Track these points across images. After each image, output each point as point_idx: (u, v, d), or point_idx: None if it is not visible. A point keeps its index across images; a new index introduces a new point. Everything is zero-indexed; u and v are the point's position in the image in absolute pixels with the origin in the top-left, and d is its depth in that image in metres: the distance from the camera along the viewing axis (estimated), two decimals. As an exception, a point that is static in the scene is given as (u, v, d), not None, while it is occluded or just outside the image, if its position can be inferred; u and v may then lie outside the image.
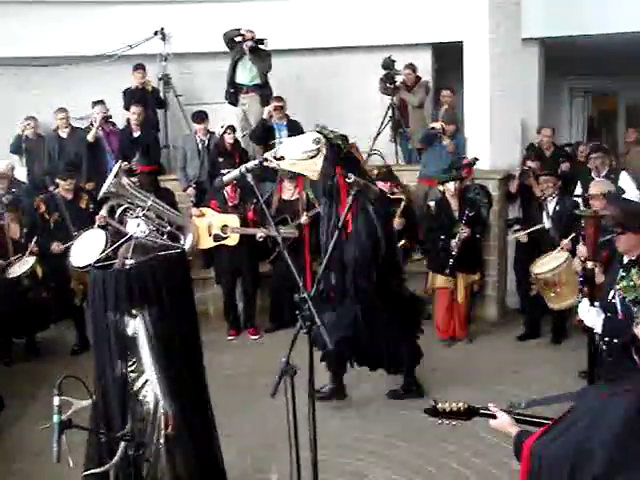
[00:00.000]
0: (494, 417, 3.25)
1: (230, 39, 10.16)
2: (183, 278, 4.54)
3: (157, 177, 9.18)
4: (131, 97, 10.22)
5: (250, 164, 3.81)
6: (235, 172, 3.84)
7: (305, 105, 10.58)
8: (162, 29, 10.88)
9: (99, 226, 8.07)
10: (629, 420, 2.66)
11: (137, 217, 7.84)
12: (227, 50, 10.36)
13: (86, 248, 7.90)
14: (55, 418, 2.98)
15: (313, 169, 5.93)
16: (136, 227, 7.88)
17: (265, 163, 4.54)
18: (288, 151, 5.70)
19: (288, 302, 8.94)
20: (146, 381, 4.17)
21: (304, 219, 8.80)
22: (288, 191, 9.06)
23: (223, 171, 8.87)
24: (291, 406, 3.44)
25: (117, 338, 4.14)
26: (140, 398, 4.18)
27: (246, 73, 10.43)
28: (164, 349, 4.21)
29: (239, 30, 10.21)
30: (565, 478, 2.69)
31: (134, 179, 8.31)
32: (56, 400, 2.98)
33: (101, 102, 10.12)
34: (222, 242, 8.86)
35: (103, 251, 7.73)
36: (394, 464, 5.94)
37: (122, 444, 3.99)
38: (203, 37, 10.69)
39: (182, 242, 8.12)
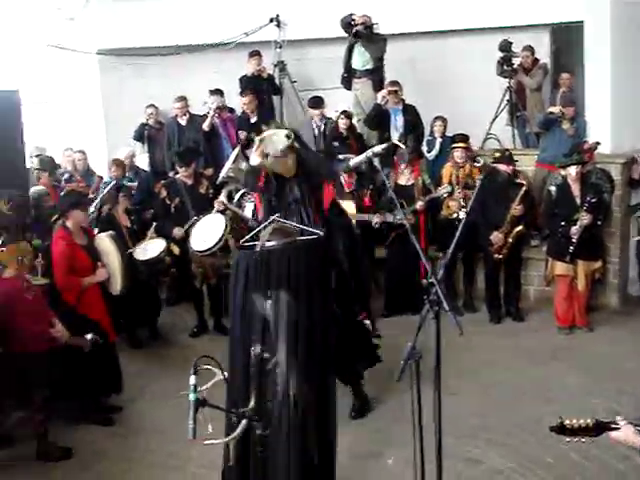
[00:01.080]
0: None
1: (346, 24, 10.16)
2: (320, 263, 4.57)
3: (274, 163, 9.26)
4: (247, 84, 10.35)
5: (377, 148, 3.79)
6: (362, 156, 3.84)
7: (420, 89, 10.50)
8: (277, 16, 10.96)
9: (218, 211, 8.25)
10: None
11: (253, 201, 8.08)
12: (341, 36, 10.37)
13: (205, 232, 8.12)
14: (191, 396, 3.07)
15: (288, 167, 5.71)
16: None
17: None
18: (270, 148, 5.47)
19: (403, 287, 8.96)
20: (277, 362, 4.26)
21: (420, 204, 8.74)
22: (404, 176, 9.00)
23: (340, 156, 9.00)
24: (415, 391, 3.42)
25: (255, 319, 4.26)
26: (271, 378, 4.29)
27: (359, 58, 10.43)
28: (297, 332, 4.30)
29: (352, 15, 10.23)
30: None
31: (252, 164, 8.44)
32: (192, 379, 3.07)
33: (218, 92, 10.29)
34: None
35: (222, 236, 7.96)
36: (510, 452, 5.87)
37: (244, 421, 4.09)
38: (317, 23, 10.73)
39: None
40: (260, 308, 4.28)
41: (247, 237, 4.72)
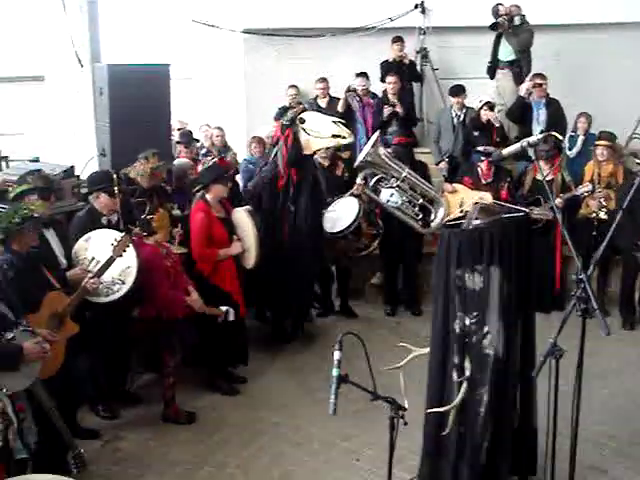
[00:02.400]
0: None
1: (496, 13, 9.99)
2: (524, 240, 4.77)
3: (412, 149, 9.22)
4: (388, 69, 10.30)
5: (532, 138, 3.70)
6: (516, 146, 3.75)
7: (564, 84, 10.23)
8: (422, 2, 10.90)
9: (353, 194, 8.28)
10: None
11: (391, 187, 8.09)
12: (485, 25, 10.20)
13: (339, 215, 8.16)
14: (334, 372, 3.09)
15: None
16: (389, 197, 8.12)
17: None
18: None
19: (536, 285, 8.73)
20: (487, 333, 4.52)
21: (559, 202, 8.48)
22: (543, 171, 8.76)
23: (479, 148, 8.85)
24: (554, 388, 3.34)
25: (459, 293, 4.52)
26: (479, 349, 4.56)
27: (503, 49, 10.27)
28: (504, 304, 4.55)
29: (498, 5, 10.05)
30: None
31: (389, 150, 8.44)
32: (337, 354, 3.09)
33: (364, 74, 10.27)
34: (474, 219, 8.76)
35: (355, 220, 7.97)
36: (637, 464, 5.65)
37: (463, 389, 4.40)
38: (463, 11, 10.61)
39: (433, 216, 8.24)
40: (470, 283, 4.52)
41: (452, 217, 4.97)
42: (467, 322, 4.49)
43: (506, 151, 3.90)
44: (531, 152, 3.61)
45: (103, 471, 5.59)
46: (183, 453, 5.92)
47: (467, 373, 4.54)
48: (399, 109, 9.87)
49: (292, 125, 7.35)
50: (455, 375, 4.60)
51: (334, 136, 7.13)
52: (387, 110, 9.80)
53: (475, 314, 4.55)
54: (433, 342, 4.72)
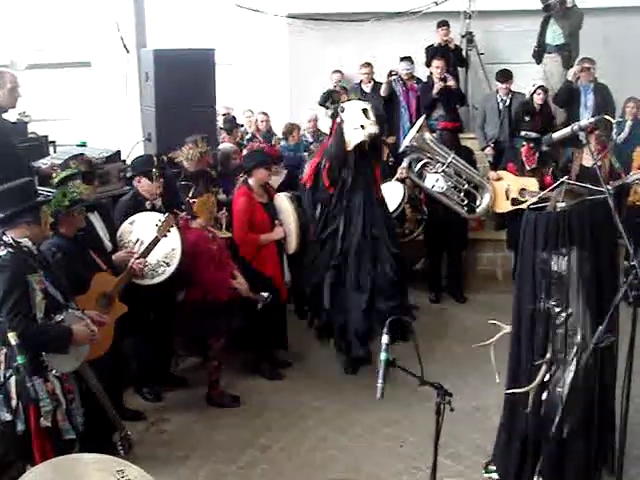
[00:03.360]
0: None
1: (544, -4, 9.88)
2: (607, 221, 4.68)
3: (458, 135, 9.14)
4: (434, 54, 10.22)
5: (583, 122, 3.63)
6: (567, 130, 3.68)
7: (613, 68, 10.08)
8: (468, -14, 10.76)
9: (398, 179, 8.24)
10: None
11: (436, 172, 8.04)
12: (532, 9, 10.11)
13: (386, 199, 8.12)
14: (383, 356, 3.08)
15: None
16: (435, 182, 8.07)
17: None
18: None
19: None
20: (570, 314, 4.57)
21: (608, 188, 8.32)
22: (590, 158, 8.62)
23: (522, 133, 8.74)
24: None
25: (543, 275, 4.59)
26: (561, 331, 4.61)
27: (551, 33, 10.13)
28: (588, 285, 4.60)
29: (550, -13, 9.92)
30: None
31: (435, 135, 8.38)
32: (385, 338, 3.08)
33: (408, 59, 10.22)
34: (520, 206, 8.65)
35: (400, 205, 7.95)
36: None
37: (542, 370, 4.47)
38: (508, -5, 10.49)
39: (478, 201, 8.17)
40: (555, 265, 4.59)
41: (535, 199, 5.16)
42: (552, 304, 4.57)
43: (557, 135, 3.81)
44: (582, 136, 3.54)
45: (148, 452, 5.63)
46: (227, 436, 5.97)
47: (548, 355, 4.60)
48: (451, 82, 9.81)
49: (334, 116, 6.93)
50: (538, 356, 4.67)
51: (361, 127, 6.64)
52: (438, 85, 9.72)
53: (559, 296, 4.62)
54: (517, 324, 4.77)
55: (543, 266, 4.62)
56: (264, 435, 5.95)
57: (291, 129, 9.65)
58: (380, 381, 3.03)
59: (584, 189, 4.95)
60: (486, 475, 5.25)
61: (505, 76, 9.69)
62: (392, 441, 5.84)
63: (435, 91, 9.73)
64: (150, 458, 5.54)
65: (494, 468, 5.21)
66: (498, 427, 5.16)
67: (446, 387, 3.42)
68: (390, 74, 10.02)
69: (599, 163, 8.30)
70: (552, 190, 4.91)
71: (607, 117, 7.69)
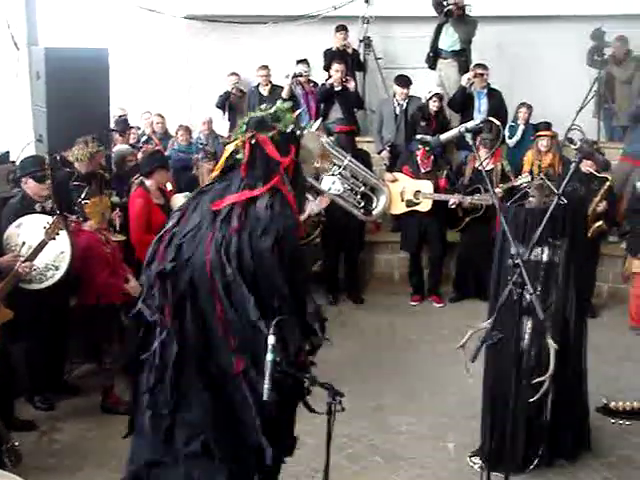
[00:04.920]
0: None
1: (438, 3, 10.06)
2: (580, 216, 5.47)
3: (354, 138, 9.23)
4: (332, 58, 10.27)
5: (470, 124, 3.68)
6: (454, 131, 3.73)
7: (506, 75, 10.36)
8: (366, -9, 10.87)
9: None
10: None
11: (333, 175, 8.05)
12: (429, 15, 10.27)
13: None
14: (269, 356, 3.05)
15: None
16: (331, 184, 8.08)
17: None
18: None
19: (473, 272, 8.85)
20: (551, 304, 5.15)
21: (498, 191, 8.54)
22: (481, 160, 8.81)
23: (417, 136, 8.88)
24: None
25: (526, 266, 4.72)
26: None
27: (447, 38, 10.33)
28: (570, 275, 5.16)
29: (443, -6, 10.11)
30: None
31: (332, 138, 8.42)
32: (271, 339, 3.05)
33: (304, 61, 10.28)
34: (415, 208, 8.81)
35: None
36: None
37: (553, 357, 4.81)
38: (406, 1, 10.61)
39: (374, 204, 8.22)
40: (537, 257, 5.04)
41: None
42: (532, 294, 4.77)
43: (444, 136, 3.87)
44: (469, 138, 3.61)
45: (39, 463, 5.44)
46: (122, 443, 5.78)
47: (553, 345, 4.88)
48: (351, 84, 9.92)
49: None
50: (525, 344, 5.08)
51: None
52: (336, 80, 9.78)
53: (541, 286, 5.07)
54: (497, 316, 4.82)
55: (524, 258, 4.71)
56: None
57: (180, 131, 9.62)
58: (267, 382, 3.00)
59: (553, 185, 5.39)
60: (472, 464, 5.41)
61: (404, 82, 9.81)
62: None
63: (330, 84, 9.80)
64: (40, 469, 5.37)
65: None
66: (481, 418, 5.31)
67: (345, 388, 3.43)
68: (294, 75, 10.05)
69: (488, 167, 8.58)
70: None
71: (492, 120, 7.92)
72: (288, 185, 3.75)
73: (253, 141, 3.73)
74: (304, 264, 3.83)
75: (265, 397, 3.02)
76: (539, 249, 5.08)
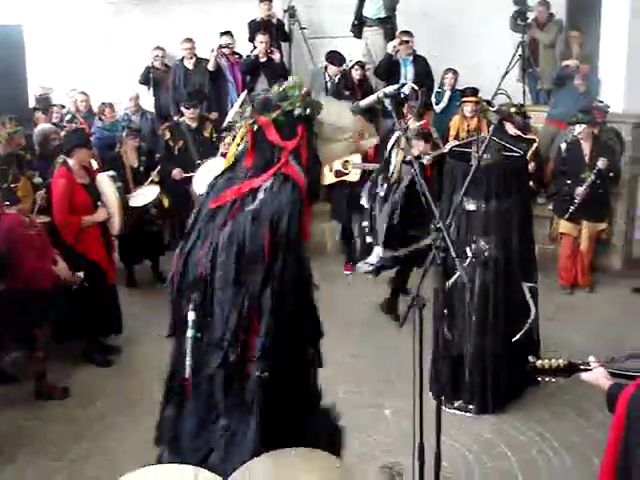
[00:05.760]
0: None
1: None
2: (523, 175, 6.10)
3: (282, 109, 9.14)
4: (256, 29, 10.17)
5: (389, 89, 3.64)
6: (372, 97, 3.69)
7: (431, 41, 10.34)
8: (287, -40, 10.76)
9: (222, 154, 8.19)
10: None
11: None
12: (353, -18, 10.21)
13: (209, 176, 8.02)
14: (189, 332, 3.01)
15: None
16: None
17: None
18: None
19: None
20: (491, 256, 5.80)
21: (427, 159, 8.52)
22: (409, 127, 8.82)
23: (351, 106, 8.82)
24: (418, 338, 3.37)
25: (471, 218, 5.77)
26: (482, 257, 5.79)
27: (372, 6, 10.31)
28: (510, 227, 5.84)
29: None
30: None
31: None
32: (191, 315, 3.00)
33: (228, 33, 10.17)
34: (344, 178, 8.79)
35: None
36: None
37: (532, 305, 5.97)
38: (330, -31, 10.55)
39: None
40: (477, 209, 5.57)
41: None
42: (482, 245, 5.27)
43: (363, 102, 3.80)
44: (387, 103, 3.58)
45: (-27, 454, 5.36)
46: (58, 430, 5.74)
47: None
48: (276, 55, 9.87)
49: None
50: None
51: None
52: (261, 52, 9.76)
53: (482, 239, 5.71)
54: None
55: (467, 208, 5.65)
56: (97, 425, 5.78)
57: (103, 109, 9.50)
58: (188, 359, 2.96)
59: (500, 146, 5.81)
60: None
61: (337, 60, 9.74)
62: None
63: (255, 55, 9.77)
64: (-25, 460, 5.27)
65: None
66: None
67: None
68: (219, 47, 9.92)
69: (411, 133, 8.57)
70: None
71: (413, 85, 7.92)
72: (296, 166, 3.52)
73: (255, 127, 3.52)
74: (297, 247, 3.59)
75: (186, 375, 2.98)
76: (494, 202, 5.67)
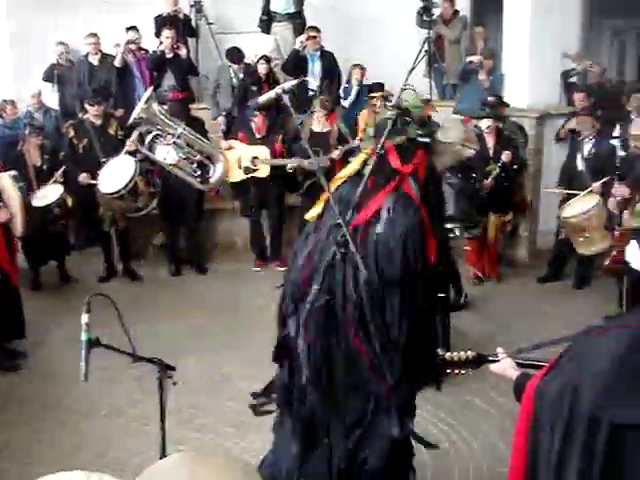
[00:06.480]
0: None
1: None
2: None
3: (188, 105, 9.05)
4: (162, 24, 9.98)
5: (287, 84, 3.63)
6: (271, 93, 3.66)
7: (339, 36, 10.38)
8: (193, -46, 10.61)
9: (128, 152, 8.05)
10: (617, 357, 2.54)
11: (167, 144, 7.89)
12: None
13: (114, 174, 7.91)
14: (84, 336, 2.93)
15: None
16: (166, 154, 7.93)
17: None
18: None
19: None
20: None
21: (336, 154, 8.54)
22: (319, 123, 8.86)
23: (249, 103, 8.85)
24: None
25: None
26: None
27: (280, 1, 10.26)
28: None
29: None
30: (565, 417, 2.58)
31: (165, 106, 8.24)
32: (84, 318, 2.93)
33: (134, 28, 9.99)
34: (253, 174, 8.74)
35: (131, 179, 7.77)
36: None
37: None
38: (236, -37, 10.46)
39: (211, 172, 8.12)
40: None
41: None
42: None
43: (262, 99, 3.78)
44: (286, 99, 3.56)
45: None
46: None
47: None
48: (183, 51, 9.77)
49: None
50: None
51: None
52: (167, 47, 9.62)
53: None
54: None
55: None
56: (6, 432, 5.59)
57: (4, 106, 9.24)
58: (83, 363, 2.90)
59: None
60: None
61: (236, 57, 9.69)
62: (139, 421, 5.67)
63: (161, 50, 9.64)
64: None
65: None
66: None
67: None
68: (126, 43, 9.75)
69: (325, 129, 8.62)
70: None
71: (305, 78, 7.91)
72: (412, 184, 3.59)
73: (382, 152, 3.59)
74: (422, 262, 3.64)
75: (82, 378, 2.91)
76: None
